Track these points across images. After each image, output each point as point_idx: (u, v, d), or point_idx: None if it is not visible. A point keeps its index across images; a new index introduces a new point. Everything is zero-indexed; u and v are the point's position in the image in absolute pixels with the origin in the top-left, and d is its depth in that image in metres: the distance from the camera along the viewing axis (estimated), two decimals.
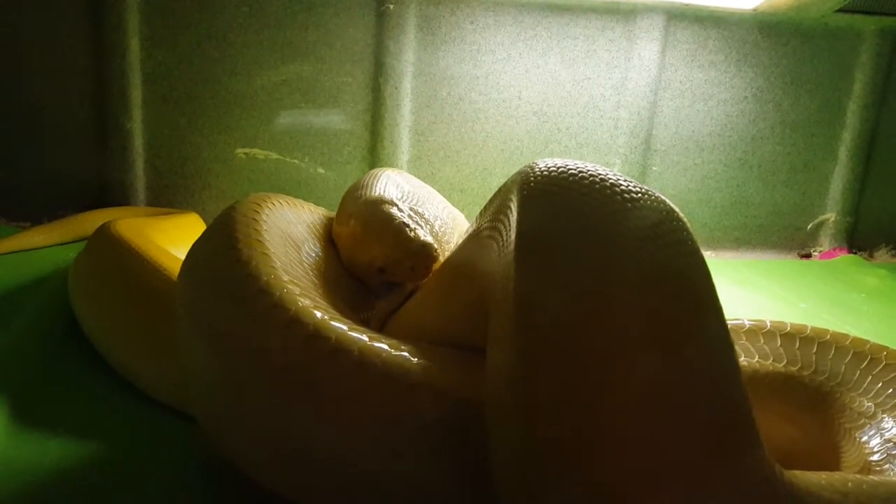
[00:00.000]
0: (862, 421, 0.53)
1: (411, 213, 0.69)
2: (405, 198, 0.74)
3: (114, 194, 1.40)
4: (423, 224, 0.69)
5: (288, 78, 1.42)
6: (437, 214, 0.74)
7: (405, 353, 0.48)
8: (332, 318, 0.49)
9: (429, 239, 0.64)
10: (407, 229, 0.64)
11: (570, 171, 0.43)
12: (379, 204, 0.69)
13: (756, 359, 0.59)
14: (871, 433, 0.51)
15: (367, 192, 0.73)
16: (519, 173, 0.47)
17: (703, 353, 0.37)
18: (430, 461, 0.47)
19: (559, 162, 0.45)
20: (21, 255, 1.16)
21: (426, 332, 0.56)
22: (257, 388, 0.48)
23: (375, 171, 0.83)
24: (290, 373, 0.47)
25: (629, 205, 0.40)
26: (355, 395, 0.46)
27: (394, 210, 0.67)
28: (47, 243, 1.21)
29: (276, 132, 1.44)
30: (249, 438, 0.51)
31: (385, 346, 0.48)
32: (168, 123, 1.41)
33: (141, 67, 1.37)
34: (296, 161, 1.46)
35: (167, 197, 1.44)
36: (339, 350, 0.46)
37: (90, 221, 1.20)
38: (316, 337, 0.47)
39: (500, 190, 0.51)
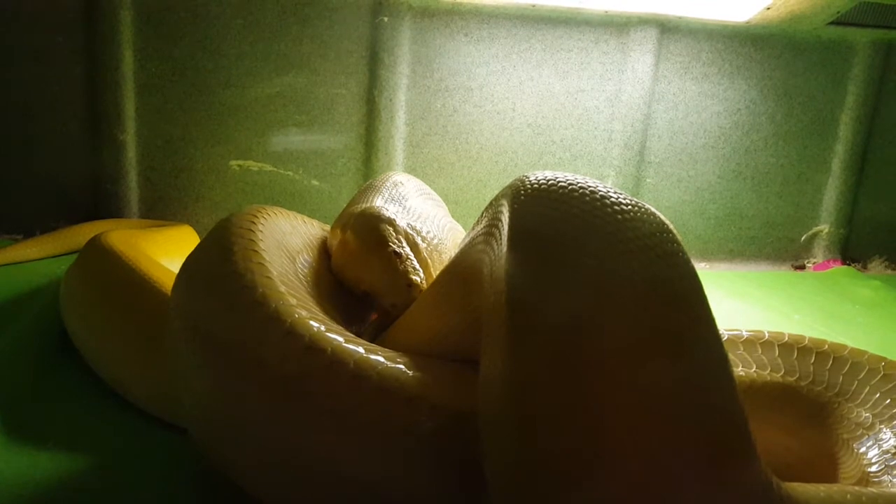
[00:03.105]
0: (860, 432, 0.52)
1: (408, 232, 0.68)
2: (406, 212, 0.73)
3: (107, 206, 1.40)
4: (419, 241, 0.68)
5: (282, 90, 1.42)
6: (436, 233, 0.74)
7: (401, 366, 0.47)
8: (328, 330, 0.48)
9: (416, 278, 0.64)
10: (398, 261, 0.65)
11: (561, 184, 0.43)
12: (376, 222, 0.68)
13: (754, 369, 0.59)
14: (868, 444, 0.51)
15: (367, 204, 0.73)
16: (510, 186, 0.47)
17: (697, 365, 0.37)
18: (426, 474, 0.46)
19: (549, 174, 0.45)
20: (13, 267, 1.15)
21: (421, 345, 0.56)
22: (252, 399, 0.48)
23: (384, 176, 0.83)
24: (285, 385, 0.46)
25: (619, 216, 0.40)
26: (350, 408, 0.45)
27: (389, 233, 0.67)
28: (40, 256, 1.21)
29: (270, 144, 1.44)
30: (244, 450, 0.51)
31: (381, 359, 0.47)
32: (161, 135, 1.41)
33: (134, 79, 1.37)
34: (290, 173, 1.45)
35: (160, 209, 1.43)
36: (334, 362, 0.46)
37: (83, 234, 1.19)
38: (312, 349, 0.46)
39: (491, 203, 0.51)
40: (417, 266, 0.66)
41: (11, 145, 1.37)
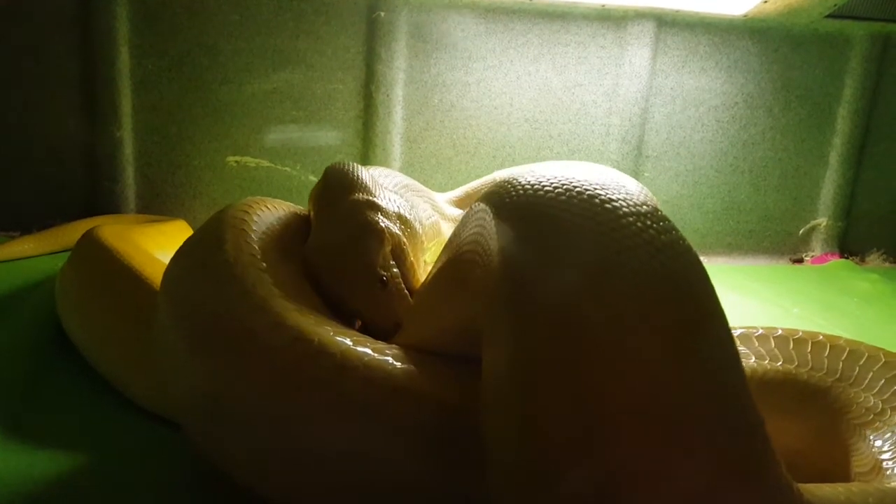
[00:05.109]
0: (871, 417, 0.52)
1: (401, 238, 0.64)
2: (397, 205, 0.71)
3: (104, 203, 1.39)
4: (407, 233, 0.66)
5: (279, 86, 1.41)
6: (424, 222, 0.72)
7: (388, 358, 0.48)
8: (316, 322, 0.49)
9: (399, 315, 0.60)
10: (384, 295, 0.60)
11: (546, 188, 0.41)
12: (368, 235, 0.62)
13: (753, 360, 0.59)
14: (882, 430, 0.51)
15: (363, 197, 0.67)
16: (492, 194, 0.46)
17: (709, 355, 0.36)
18: (412, 463, 0.46)
19: (532, 178, 0.43)
20: (10, 264, 1.15)
21: (421, 344, 0.56)
22: (239, 389, 0.48)
23: (373, 171, 0.77)
24: (272, 375, 0.47)
25: (613, 214, 0.39)
26: (336, 398, 0.45)
27: (377, 250, 0.61)
28: (37, 252, 1.21)
29: (267, 140, 1.43)
30: (230, 440, 0.51)
31: (368, 350, 0.48)
32: (158, 132, 1.40)
33: (130, 76, 1.37)
34: (287, 169, 1.45)
35: (158, 205, 1.43)
36: (321, 353, 0.46)
37: (80, 230, 1.18)
38: (299, 340, 0.47)
39: (473, 209, 0.49)
40: (405, 290, 0.62)
41: (8, 143, 1.36)
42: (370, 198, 0.66)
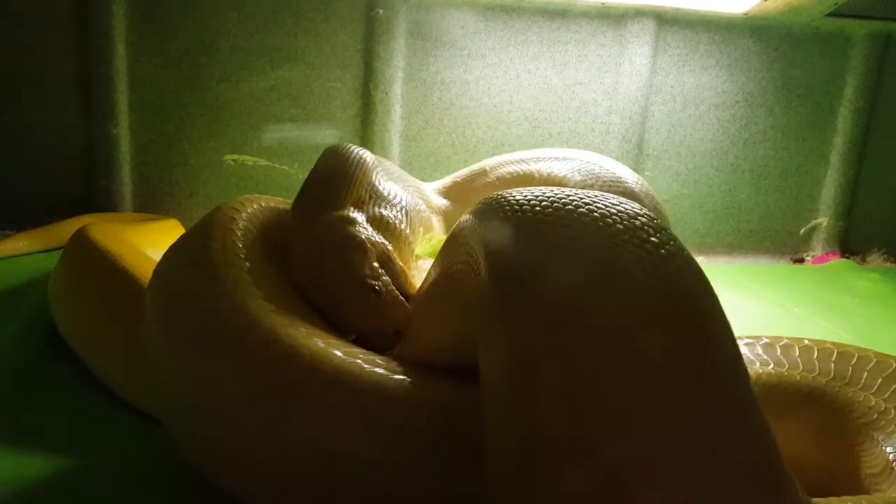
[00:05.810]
0: (876, 416, 0.52)
1: (384, 246, 0.62)
2: (378, 206, 0.68)
3: (100, 201, 1.39)
4: (391, 237, 0.64)
5: (277, 84, 1.41)
6: (406, 216, 0.71)
7: (359, 361, 0.48)
8: (291, 324, 0.49)
9: (398, 320, 0.58)
10: (379, 303, 0.57)
11: (535, 205, 0.41)
12: (349, 251, 0.60)
13: (757, 365, 0.59)
14: (891, 430, 0.50)
15: (337, 212, 0.64)
16: (481, 211, 0.45)
17: (710, 356, 0.36)
18: (383, 466, 0.46)
19: (519, 196, 0.42)
20: (5, 261, 1.15)
21: (420, 355, 0.55)
22: (215, 389, 0.49)
23: (350, 166, 0.71)
24: (246, 376, 0.47)
25: (605, 232, 0.38)
26: (303, 400, 0.46)
27: (361, 261, 0.59)
28: (32, 250, 1.20)
29: (264, 138, 1.43)
30: (209, 441, 0.51)
31: (338, 353, 0.48)
32: (155, 130, 1.40)
33: (128, 73, 1.36)
34: (285, 167, 1.45)
35: (154, 204, 1.42)
36: (292, 355, 0.47)
37: (75, 228, 1.18)
38: (273, 341, 0.47)
39: (462, 227, 0.49)
40: (400, 296, 0.59)
41: (4, 140, 1.36)
42: (344, 213, 0.64)
